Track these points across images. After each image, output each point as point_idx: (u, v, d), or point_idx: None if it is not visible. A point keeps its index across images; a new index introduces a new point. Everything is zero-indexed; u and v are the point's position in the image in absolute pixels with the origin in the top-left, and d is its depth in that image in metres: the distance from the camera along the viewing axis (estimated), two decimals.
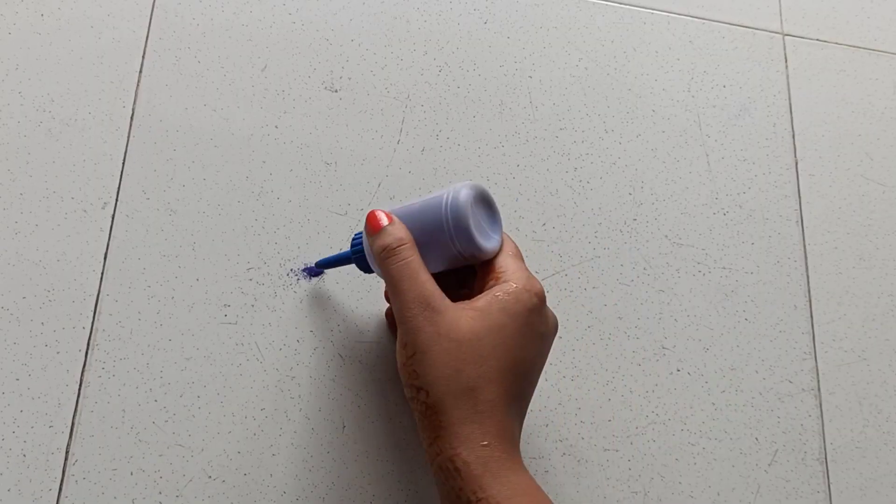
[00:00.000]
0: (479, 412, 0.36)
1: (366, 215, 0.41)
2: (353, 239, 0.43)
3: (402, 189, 0.50)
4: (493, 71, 0.54)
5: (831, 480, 0.50)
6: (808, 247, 0.55)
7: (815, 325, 0.53)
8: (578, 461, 0.47)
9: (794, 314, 0.53)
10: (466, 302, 0.38)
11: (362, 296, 0.48)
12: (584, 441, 0.48)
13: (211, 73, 0.50)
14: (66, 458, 0.42)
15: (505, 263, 0.40)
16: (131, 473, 0.42)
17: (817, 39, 0.61)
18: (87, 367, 0.44)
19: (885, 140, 0.59)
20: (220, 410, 0.44)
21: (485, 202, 0.40)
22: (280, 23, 0.52)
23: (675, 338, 0.51)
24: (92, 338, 0.44)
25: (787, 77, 0.59)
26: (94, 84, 0.49)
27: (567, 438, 0.47)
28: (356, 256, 0.43)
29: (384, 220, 0.40)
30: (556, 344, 0.49)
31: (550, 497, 0.46)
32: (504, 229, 0.51)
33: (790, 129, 0.58)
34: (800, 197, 0.56)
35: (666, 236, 0.53)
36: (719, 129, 0.56)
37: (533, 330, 0.38)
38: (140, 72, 0.49)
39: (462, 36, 0.55)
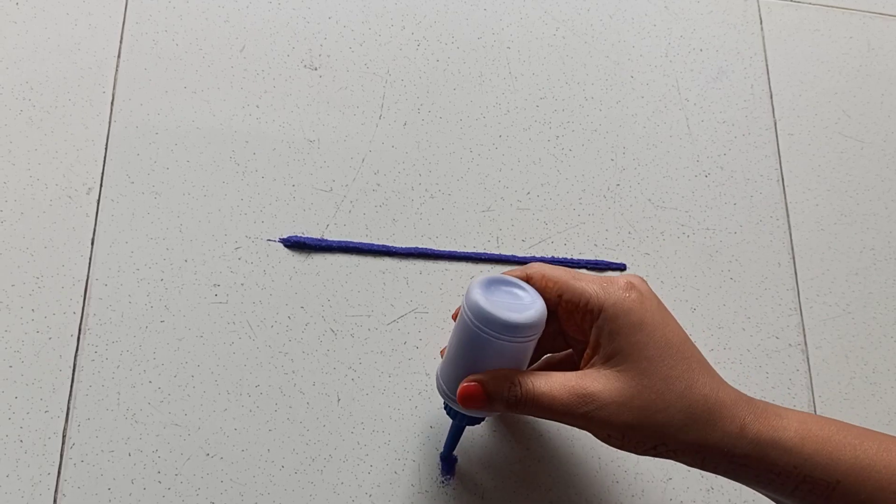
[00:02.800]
0: (709, 421, 0.36)
1: (459, 398, 0.38)
2: (446, 411, 0.42)
3: (386, 163, 0.50)
4: (471, 43, 0.55)
5: None
6: (789, 205, 0.55)
7: (799, 282, 0.54)
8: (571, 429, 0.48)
9: (779, 271, 0.54)
10: (600, 361, 0.37)
11: (351, 270, 0.48)
12: None
13: (189, 56, 0.50)
14: (63, 442, 0.42)
15: (585, 298, 0.38)
16: (129, 454, 0.43)
17: (791, 0, 0.62)
18: (79, 352, 0.44)
19: (862, 97, 0.60)
20: (214, 389, 0.44)
21: (495, 283, 0.38)
22: (256, 3, 0.52)
23: (662, 300, 0.51)
24: (83, 322, 0.44)
25: (763, 39, 0.60)
26: (73, 70, 0.48)
27: None
28: (467, 421, 0.42)
29: (479, 389, 0.38)
30: None
31: (546, 459, 0.46)
32: (490, 199, 0.51)
33: (768, 90, 0.58)
34: (780, 156, 0.57)
35: (649, 200, 0.53)
36: (698, 92, 0.57)
37: (653, 317, 0.37)
38: (118, 56, 0.49)
39: (439, 10, 0.55)
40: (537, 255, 0.50)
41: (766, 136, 0.57)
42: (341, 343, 0.47)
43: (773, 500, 0.38)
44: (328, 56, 0.52)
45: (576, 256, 0.51)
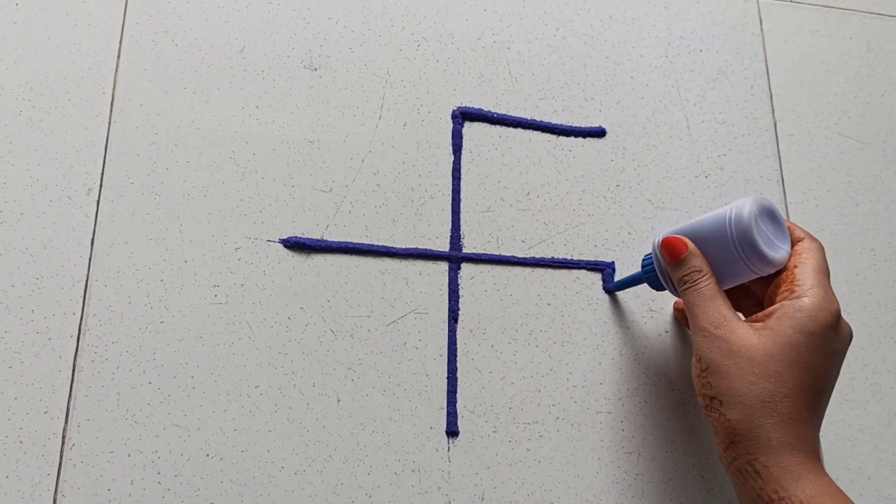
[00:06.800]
0: (776, 424, 0.38)
1: (661, 241, 0.44)
2: (644, 260, 0.47)
3: (386, 163, 0.50)
4: (471, 44, 0.55)
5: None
6: (789, 206, 0.56)
7: None
8: (572, 425, 0.48)
9: None
10: (759, 320, 0.40)
11: (351, 271, 0.48)
12: (577, 405, 0.48)
13: (189, 56, 0.50)
14: (62, 443, 0.42)
15: (803, 276, 0.41)
16: (129, 455, 0.43)
17: (791, 1, 0.62)
18: (79, 353, 0.44)
19: (861, 97, 0.60)
20: (214, 389, 0.44)
21: (769, 215, 0.42)
22: (256, 3, 0.52)
23: (661, 300, 0.51)
24: (83, 323, 0.44)
25: (763, 39, 0.60)
26: (73, 71, 0.48)
27: (560, 403, 0.48)
28: (648, 278, 0.46)
29: (683, 250, 0.42)
30: (546, 311, 0.50)
31: (546, 459, 0.46)
32: (490, 199, 0.51)
33: (768, 91, 0.58)
34: (779, 157, 0.57)
35: (649, 201, 0.53)
36: (698, 93, 0.57)
37: (829, 347, 0.39)
38: (118, 57, 0.49)
39: (439, 10, 0.55)
40: (537, 256, 0.50)
41: (765, 136, 0.57)
42: (341, 343, 0.47)
43: None
44: (328, 56, 0.52)
45: (576, 257, 0.51)
